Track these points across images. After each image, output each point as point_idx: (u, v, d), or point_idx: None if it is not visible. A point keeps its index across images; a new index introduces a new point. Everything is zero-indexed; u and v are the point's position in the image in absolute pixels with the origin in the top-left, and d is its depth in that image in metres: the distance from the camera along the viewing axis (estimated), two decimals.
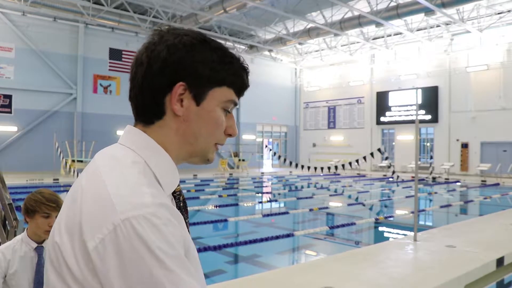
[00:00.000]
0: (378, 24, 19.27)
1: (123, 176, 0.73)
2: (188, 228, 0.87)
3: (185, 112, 0.81)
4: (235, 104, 0.88)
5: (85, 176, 0.78)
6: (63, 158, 17.50)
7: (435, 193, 14.75)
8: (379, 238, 7.95)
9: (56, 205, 2.04)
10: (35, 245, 2.08)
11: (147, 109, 0.82)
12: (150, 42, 0.83)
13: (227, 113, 0.87)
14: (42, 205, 2.03)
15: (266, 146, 27.21)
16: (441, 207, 11.25)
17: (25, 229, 2.18)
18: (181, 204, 0.87)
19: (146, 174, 0.76)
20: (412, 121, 23.95)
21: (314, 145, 29.82)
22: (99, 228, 0.66)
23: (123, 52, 22.16)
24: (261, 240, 6.63)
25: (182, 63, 0.80)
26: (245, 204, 11.96)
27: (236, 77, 0.86)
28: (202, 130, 0.83)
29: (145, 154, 0.80)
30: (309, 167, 23.31)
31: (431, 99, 23.35)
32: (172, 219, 0.69)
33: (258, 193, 14.58)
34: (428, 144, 24.10)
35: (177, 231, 0.69)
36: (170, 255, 0.65)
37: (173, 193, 0.85)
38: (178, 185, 0.86)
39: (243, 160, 24.84)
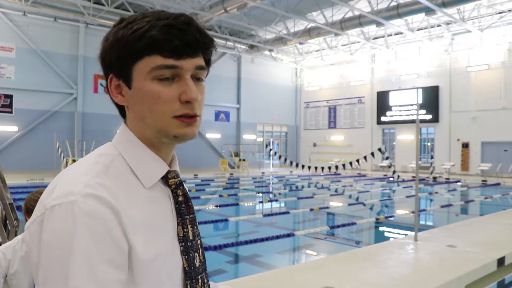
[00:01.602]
0: (378, 24, 19.26)
1: (80, 166, 0.76)
2: (192, 225, 0.84)
3: (126, 100, 0.81)
4: (175, 67, 0.76)
5: None
6: (63, 157, 17.51)
7: (436, 193, 14.74)
8: (380, 238, 7.95)
9: None
10: None
11: (116, 107, 0.86)
12: None
13: (169, 80, 0.77)
14: None
15: (266, 146, 27.18)
16: (442, 207, 11.25)
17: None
18: (180, 199, 0.83)
19: (111, 165, 0.76)
20: (412, 121, 23.93)
21: (314, 144, 29.81)
22: (37, 209, 0.72)
23: None
24: (262, 240, 6.63)
25: (103, 57, 0.81)
26: (246, 204, 11.95)
27: (154, 41, 0.74)
28: (144, 110, 0.78)
29: (121, 147, 0.80)
30: (309, 167, 23.30)
31: (431, 99, 23.33)
32: (99, 213, 0.67)
33: (258, 193, 14.58)
34: (429, 144, 24.08)
35: (99, 225, 0.67)
36: (77, 250, 0.65)
37: (169, 186, 0.83)
38: (174, 178, 0.83)
39: (244, 160, 24.85)
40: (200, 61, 0.80)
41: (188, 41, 0.77)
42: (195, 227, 0.86)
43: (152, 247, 0.74)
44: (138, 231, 0.72)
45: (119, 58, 0.78)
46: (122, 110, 0.85)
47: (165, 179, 0.83)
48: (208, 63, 0.84)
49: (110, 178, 0.73)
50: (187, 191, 0.87)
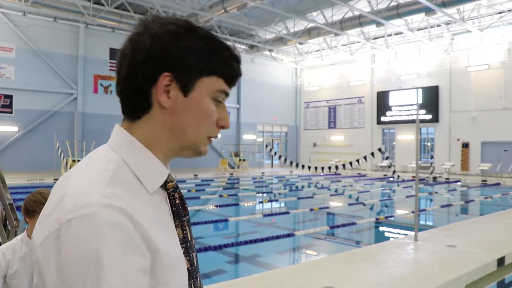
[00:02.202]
0: (378, 24, 19.26)
1: (87, 174, 0.73)
2: (187, 226, 0.85)
3: (172, 104, 0.78)
4: (227, 94, 0.84)
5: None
6: (63, 158, 17.51)
7: (436, 192, 14.74)
8: (380, 238, 7.95)
9: None
10: None
11: (133, 103, 0.80)
12: (134, 33, 0.80)
13: (218, 104, 0.83)
14: (42, 205, 2.02)
15: (266, 146, 27.18)
16: (442, 207, 11.25)
17: (25, 230, 2.18)
18: (177, 202, 0.84)
19: (117, 172, 0.73)
20: (412, 121, 23.94)
21: (314, 144, 29.81)
22: (47, 224, 0.67)
23: None
24: (262, 240, 6.63)
25: (167, 53, 0.77)
26: (246, 204, 11.95)
27: (226, 66, 0.82)
28: (191, 122, 0.79)
29: (123, 152, 0.78)
30: (309, 167, 23.31)
31: (431, 99, 23.33)
32: (121, 223, 0.66)
33: (258, 193, 14.58)
34: (429, 143, 24.09)
35: (127, 236, 0.65)
36: (106, 260, 0.62)
37: (167, 190, 0.83)
38: (172, 181, 0.83)
39: (244, 160, 24.85)
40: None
41: (239, 75, 0.86)
42: (191, 228, 0.87)
43: (173, 247, 0.77)
44: (158, 234, 0.72)
45: (193, 65, 0.79)
46: (137, 106, 0.80)
47: (163, 183, 0.83)
48: None
49: (120, 186, 0.72)
50: (182, 193, 0.88)
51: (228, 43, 0.86)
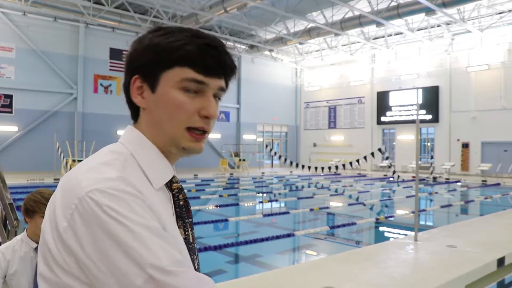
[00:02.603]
0: (378, 24, 19.26)
1: (95, 160, 0.76)
2: (189, 228, 0.86)
3: (146, 103, 0.82)
4: (200, 82, 0.80)
5: None
6: (63, 158, 17.51)
7: (436, 193, 14.74)
8: (380, 238, 7.95)
9: None
10: (35, 245, 2.08)
11: (130, 108, 0.87)
12: None
13: (193, 93, 0.81)
14: (42, 205, 2.03)
15: (266, 146, 27.18)
16: (442, 207, 11.25)
17: (25, 229, 2.18)
18: (181, 203, 0.86)
19: (126, 164, 0.77)
20: (412, 121, 23.94)
21: (314, 145, 29.81)
22: (69, 205, 0.69)
23: (124, 52, 22.13)
24: (262, 240, 6.63)
25: (133, 57, 0.83)
26: (246, 204, 11.95)
27: (188, 54, 0.79)
28: (163, 116, 0.81)
29: (132, 147, 0.81)
30: (309, 167, 23.30)
31: (431, 99, 23.33)
32: (138, 194, 0.70)
33: (258, 193, 14.58)
34: (429, 144, 24.09)
35: (145, 205, 0.70)
36: (136, 220, 0.66)
37: (172, 190, 0.85)
38: (177, 183, 0.86)
39: (244, 160, 24.84)
40: (223, 83, 0.85)
41: (219, 63, 0.82)
42: (193, 231, 0.89)
43: (178, 238, 0.79)
44: (165, 221, 0.75)
45: (151, 62, 0.81)
46: (135, 111, 0.86)
47: (169, 183, 0.85)
48: (227, 86, 0.89)
49: (131, 174, 0.75)
50: (186, 196, 0.89)
51: (209, 33, 0.85)
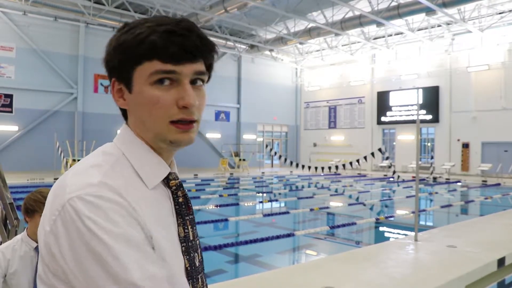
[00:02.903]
0: (379, 24, 19.25)
1: (86, 164, 0.76)
2: (189, 225, 0.85)
3: (127, 104, 0.82)
4: (171, 72, 0.77)
5: None
6: (63, 157, 17.52)
7: (436, 193, 14.74)
8: (380, 238, 7.95)
9: None
10: (35, 244, 2.08)
11: (119, 109, 0.87)
12: None
13: (166, 86, 0.77)
14: (42, 204, 2.03)
15: (267, 146, 27.18)
16: (442, 207, 11.24)
17: (25, 229, 2.17)
18: (180, 200, 0.85)
19: (116, 165, 0.77)
20: (413, 121, 23.93)
21: (314, 144, 29.81)
22: (53, 211, 0.70)
23: None
24: (262, 240, 6.62)
25: (106, 61, 0.82)
26: (246, 204, 11.95)
27: (149, 46, 0.75)
28: (144, 114, 0.79)
29: (124, 147, 0.81)
30: (309, 167, 23.30)
31: (432, 99, 23.33)
32: (119, 200, 0.70)
33: (258, 192, 14.58)
34: (429, 144, 24.08)
35: (126, 212, 0.69)
36: (112, 232, 0.66)
37: (170, 187, 0.84)
38: (174, 180, 0.85)
39: (244, 159, 24.84)
40: (199, 66, 0.80)
41: (187, 47, 0.77)
42: (195, 228, 0.87)
43: (166, 243, 0.77)
44: (153, 225, 0.74)
45: (121, 62, 0.79)
46: (124, 112, 0.86)
47: (166, 180, 0.84)
48: (209, 67, 0.84)
49: (119, 177, 0.75)
50: (187, 192, 0.88)
51: (176, 18, 0.81)
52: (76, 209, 0.67)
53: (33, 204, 2.05)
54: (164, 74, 0.77)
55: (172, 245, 0.79)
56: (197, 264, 0.84)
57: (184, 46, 0.77)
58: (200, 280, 0.85)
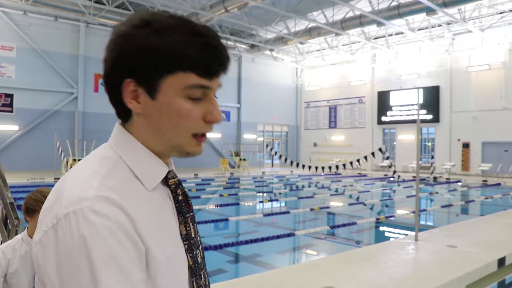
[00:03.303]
0: (379, 24, 19.25)
1: (83, 170, 0.74)
2: (190, 223, 0.84)
3: (143, 108, 0.76)
4: (206, 87, 0.76)
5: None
6: (64, 157, 17.52)
7: (436, 193, 14.73)
8: (380, 238, 7.95)
9: None
10: None
11: (116, 109, 0.81)
12: (108, 39, 0.79)
13: (197, 100, 0.76)
14: (42, 204, 2.03)
15: (267, 146, 27.18)
16: (442, 207, 11.24)
17: (26, 228, 2.18)
18: (180, 198, 0.83)
19: (114, 169, 0.74)
20: (413, 121, 23.92)
21: (315, 144, 29.81)
22: (46, 221, 0.68)
23: None
24: (262, 239, 6.63)
25: (122, 59, 0.75)
26: (246, 204, 11.95)
27: (190, 58, 0.73)
28: (166, 124, 0.76)
29: (121, 150, 0.78)
30: (310, 167, 23.30)
31: (432, 99, 23.32)
32: (115, 216, 0.66)
33: (259, 192, 14.58)
34: (429, 144, 24.07)
35: (120, 230, 0.66)
36: (101, 253, 0.63)
37: (169, 186, 0.83)
38: (174, 178, 0.83)
39: (244, 159, 24.84)
40: (220, 79, 0.80)
41: (222, 63, 0.77)
42: (195, 225, 0.87)
43: (165, 248, 0.75)
44: (151, 233, 0.72)
45: (147, 67, 0.74)
46: (122, 111, 0.81)
47: (165, 179, 0.83)
48: None
49: (117, 182, 0.72)
50: (186, 189, 0.87)
51: (203, 24, 0.77)
52: (70, 226, 0.64)
53: (33, 204, 2.06)
54: (200, 89, 0.76)
55: (175, 246, 0.79)
56: (200, 261, 0.84)
57: (221, 62, 0.77)
58: (202, 276, 0.84)
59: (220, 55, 0.76)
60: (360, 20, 19.06)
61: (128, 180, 0.75)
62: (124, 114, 0.82)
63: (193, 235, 0.84)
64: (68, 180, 0.73)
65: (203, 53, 0.74)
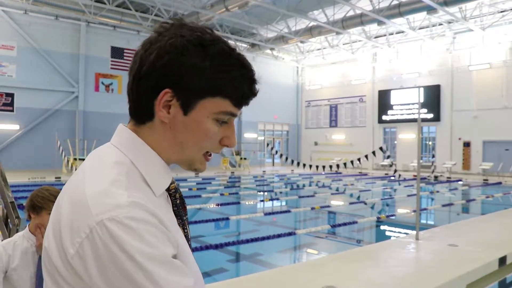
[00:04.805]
0: (380, 23, 19.22)
1: (102, 177, 0.72)
2: (187, 225, 0.87)
3: (171, 119, 0.78)
4: (234, 115, 0.81)
5: (71, 178, 0.78)
6: (65, 156, 17.54)
7: (437, 192, 14.73)
8: (381, 237, 7.95)
9: None
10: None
11: (138, 109, 0.80)
12: (149, 38, 0.80)
13: (222, 124, 0.81)
14: (50, 202, 2.04)
15: (268, 145, 27.16)
16: (443, 206, 11.24)
17: (27, 225, 2.18)
18: (178, 202, 0.86)
19: (129, 175, 0.74)
20: (414, 120, 23.90)
21: (315, 143, 29.80)
22: (77, 232, 0.66)
23: (125, 51, 22.18)
24: (263, 238, 6.63)
25: (169, 69, 0.75)
26: (247, 203, 11.96)
27: (233, 87, 0.78)
28: (189, 140, 0.79)
29: (132, 155, 0.78)
30: (310, 166, 23.29)
31: (433, 98, 23.30)
32: (150, 219, 0.67)
33: (259, 191, 14.58)
34: (430, 142, 24.05)
35: (158, 230, 0.67)
36: (148, 255, 0.64)
37: (169, 191, 0.84)
38: (173, 183, 0.85)
39: (245, 158, 24.85)
40: None
41: (255, 96, 0.84)
42: (189, 227, 0.90)
43: (184, 245, 0.78)
44: (175, 230, 0.76)
45: (193, 85, 0.76)
46: (143, 113, 0.80)
47: None
48: None
49: (136, 188, 0.73)
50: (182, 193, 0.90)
51: (244, 56, 0.82)
52: (108, 233, 0.63)
53: (41, 202, 2.06)
54: (229, 116, 0.81)
55: (186, 245, 0.81)
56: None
57: (254, 95, 0.83)
58: None
59: (255, 89, 0.82)
60: (361, 19, 19.04)
61: (142, 187, 0.76)
62: (143, 117, 0.80)
63: (189, 237, 0.87)
64: (86, 188, 0.71)
65: (244, 86, 0.80)
